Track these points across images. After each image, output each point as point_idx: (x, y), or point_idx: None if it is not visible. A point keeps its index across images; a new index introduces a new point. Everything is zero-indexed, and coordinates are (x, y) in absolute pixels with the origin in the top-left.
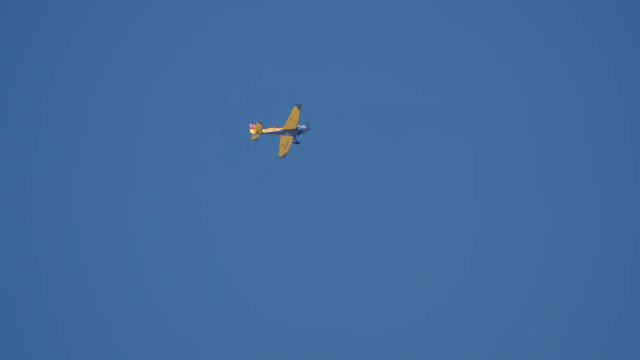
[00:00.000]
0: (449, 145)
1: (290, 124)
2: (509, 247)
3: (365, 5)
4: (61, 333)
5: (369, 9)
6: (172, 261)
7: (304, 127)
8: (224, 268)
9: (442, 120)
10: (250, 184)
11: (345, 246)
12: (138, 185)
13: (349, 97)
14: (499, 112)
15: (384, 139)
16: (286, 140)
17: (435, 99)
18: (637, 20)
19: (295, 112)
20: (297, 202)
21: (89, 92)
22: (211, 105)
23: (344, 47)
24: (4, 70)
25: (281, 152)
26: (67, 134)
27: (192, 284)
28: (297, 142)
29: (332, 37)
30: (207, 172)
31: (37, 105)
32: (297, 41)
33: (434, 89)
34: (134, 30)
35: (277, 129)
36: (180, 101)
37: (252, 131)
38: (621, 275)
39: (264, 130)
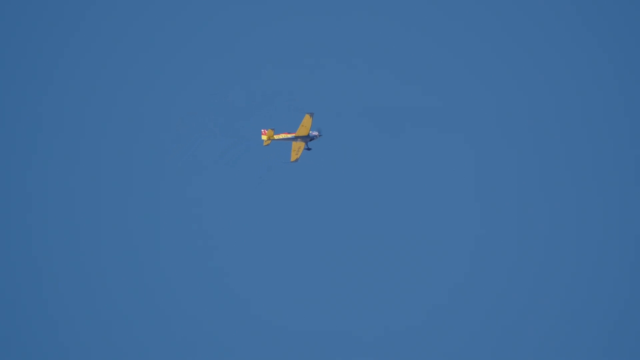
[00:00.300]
0: (449, 145)
1: (302, 131)
2: (509, 247)
3: (365, 5)
4: (61, 333)
5: (369, 9)
6: (172, 261)
7: (315, 133)
8: (224, 268)
9: (442, 120)
10: (250, 184)
11: (345, 246)
12: (138, 185)
13: (349, 97)
14: (499, 112)
15: (384, 139)
16: (298, 146)
17: (435, 99)
18: (637, 20)
19: (307, 120)
20: (297, 202)
21: (89, 92)
22: (211, 105)
23: (344, 47)
24: (4, 70)
25: (293, 157)
26: (67, 134)
27: (192, 284)
28: (308, 149)
29: (332, 37)
30: (207, 172)
31: (37, 105)
32: (297, 41)
33: (434, 89)
34: (134, 30)
35: (289, 135)
36: (180, 101)
37: (264, 137)
38: (621, 275)
39: (275, 137)
